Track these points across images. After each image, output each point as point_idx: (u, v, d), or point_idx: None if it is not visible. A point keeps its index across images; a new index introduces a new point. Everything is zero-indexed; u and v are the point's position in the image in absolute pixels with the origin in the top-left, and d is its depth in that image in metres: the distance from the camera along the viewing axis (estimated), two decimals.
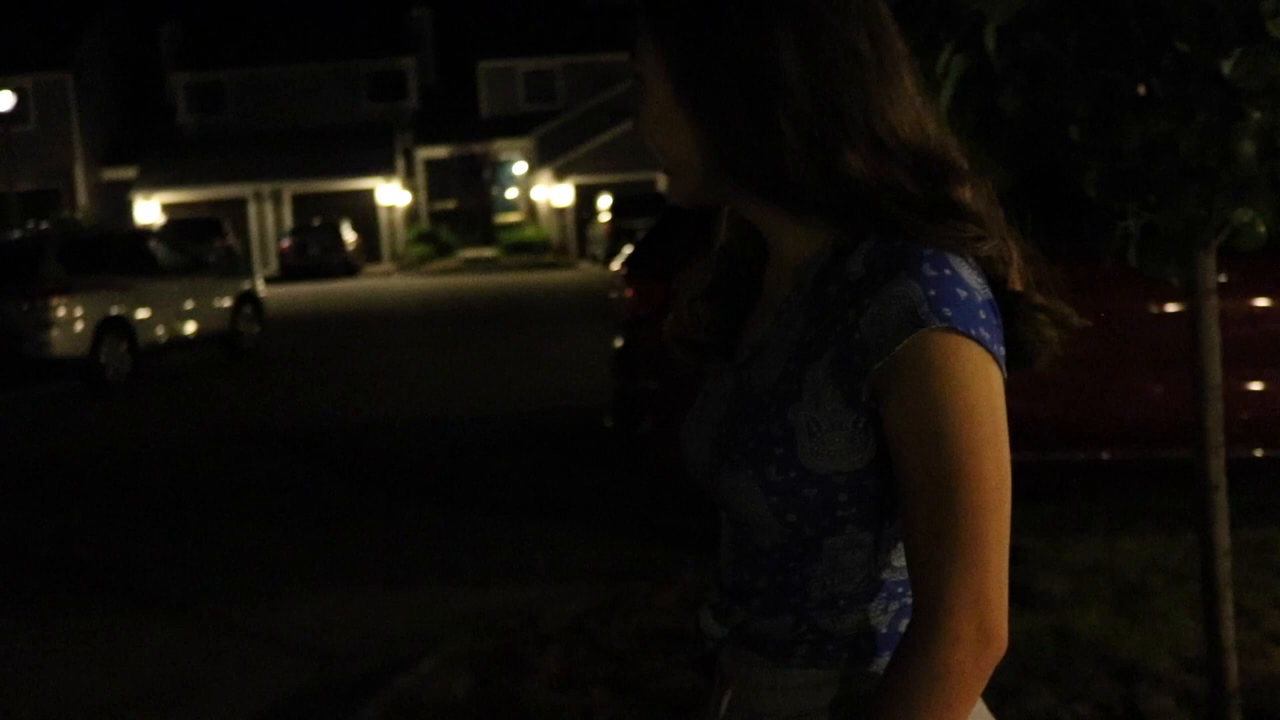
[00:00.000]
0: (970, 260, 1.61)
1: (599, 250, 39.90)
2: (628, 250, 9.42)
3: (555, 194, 44.56)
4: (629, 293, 8.04)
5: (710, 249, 1.88)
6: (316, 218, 44.52)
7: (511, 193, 49.42)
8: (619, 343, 8.30)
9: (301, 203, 46.18)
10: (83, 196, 46.40)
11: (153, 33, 50.16)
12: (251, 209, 45.92)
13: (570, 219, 44.29)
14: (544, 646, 6.11)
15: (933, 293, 1.55)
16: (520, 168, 48.59)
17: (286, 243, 42.98)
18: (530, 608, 6.93)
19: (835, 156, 1.60)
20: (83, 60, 46.82)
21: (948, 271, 1.57)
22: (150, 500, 11.31)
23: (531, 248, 45.14)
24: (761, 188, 1.65)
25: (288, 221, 45.61)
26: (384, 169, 45.97)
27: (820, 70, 1.60)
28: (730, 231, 1.84)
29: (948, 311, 1.54)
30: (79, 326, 17.76)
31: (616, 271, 9.34)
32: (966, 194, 1.64)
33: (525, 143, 46.85)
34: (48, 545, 9.85)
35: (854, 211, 1.63)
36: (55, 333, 17.52)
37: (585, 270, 39.19)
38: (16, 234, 22.51)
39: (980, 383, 1.56)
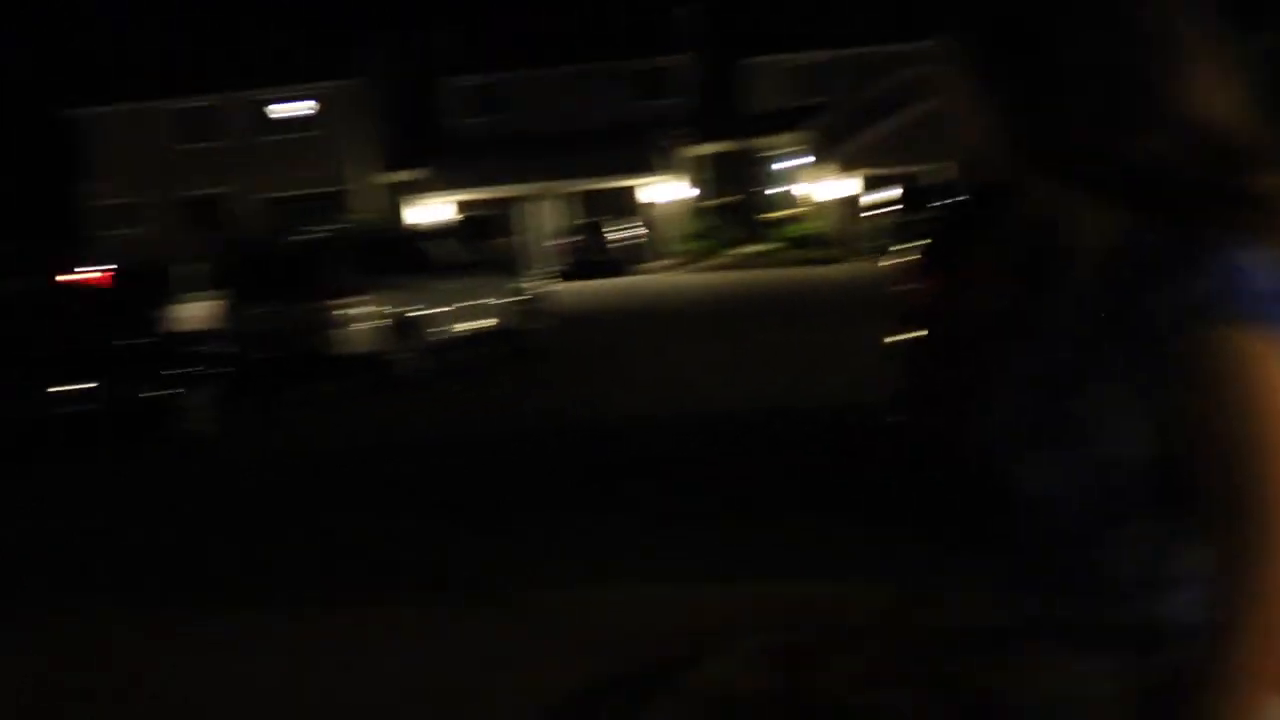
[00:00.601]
0: (1271, 251, 1.55)
1: (874, 244, 39.47)
2: (913, 243, 9.33)
3: (828, 188, 44.28)
4: (922, 284, 7.97)
5: (1003, 237, 1.86)
6: (591, 216, 45.25)
7: (784, 187, 49.28)
8: (909, 335, 8.23)
9: (576, 201, 46.90)
10: (368, 199, 48.02)
11: (429, 40, 51.46)
12: (528, 208, 46.83)
13: (844, 213, 43.98)
14: (843, 643, 6.06)
15: (1230, 284, 1.51)
16: (792, 162, 48.46)
17: (564, 241, 43.77)
18: (822, 604, 6.90)
19: (1132, 139, 1.58)
20: (369, 67, 48.43)
21: (1247, 262, 1.53)
22: (440, 492, 11.66)
23: (804, 242, 44.92)
24: (1058, 171, 1.65)
25: (564, 220, 46.41)
26: (653, 167, 46.39)
27: (1116, 52, 1.59)
28: (1025, 217, 1.81)
29: (1246, 303, 1.51)
30: (369, 325, 18.42)
31: (901, 264, 9.28)
32: (1270, 182, 1.59)
33: (797, 137, 46.65)
34: (348, 537, 10.25)
35: (1150, 196, 1.60)
36: (348, 331, 18.20)
37: (859, 264, 38.83)
38: (308, 237, 23.44)
39: (1276, 375, 1.52)
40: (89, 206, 51.31)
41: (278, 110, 44.95)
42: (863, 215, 42.86)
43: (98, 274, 19.48)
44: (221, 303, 19.89)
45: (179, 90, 48.14)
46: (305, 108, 43.17)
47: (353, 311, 18.21)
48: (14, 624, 8.57)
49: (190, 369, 15.38)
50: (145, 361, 15.31)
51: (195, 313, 23.72)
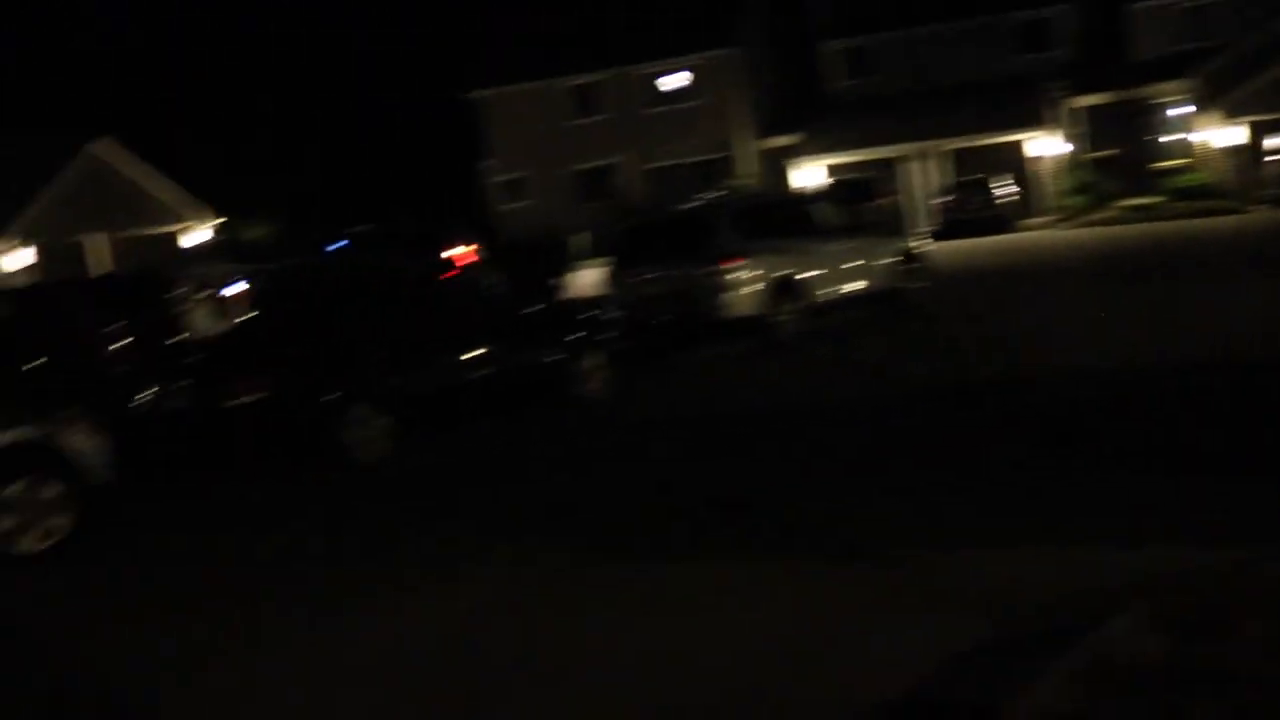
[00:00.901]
0: None
1: (1273, 191, 37.48)
2: None
3: (1222, 135, 42.16)
4: None
5: None
6: (971, 173, 44.38)
7: (1173, 136, 47.14)
8: None
9: (954, 159, 46.10)
10: (747, 164, 48.43)
11: (802, 5, 51.43)
12: (906, 168, 46.28)
13: (1237, 161, 41.81)
14: (1249, 610, 5.74)
15: None
16: (1178, 111, 46.31)
17: (942, 199, 43.12)
18: (1220, 569, 6.61)
19: None
20: (745, 36, 48.81)
21: None
22: (816, 452, 11.67)
23: (1192, 194, 42.92)
24: None
25: (942, 179, 45.68)
26: (1034, 121, 45.05)
27: None
28: None
29: None
30: (753, 288, 18.55)
31: None
32: None
33: (1186, 83, 44.53)
34: (726, 493, 10.33)
35: None
36: (732, 295, 18.40)
37: (1257, 214, 36.90)
38: (692, 204, 23.74)
39: None
40: (487, 182, 53.44)
41: (662, 83, 45.72)
42: (1268, 161, 40.67)
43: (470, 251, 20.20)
44: (611, 270, 20.34)
45: (570, 69, 49.48)
46: (687, 79, 43.77)
47: (736, 276, 18.39)
48: (438, 568, 9.03)
49: (583, 334, 15.80)
50: (543, 328, 15.84)
51: (587, 280, 24.40)
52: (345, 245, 38.40)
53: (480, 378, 14.72)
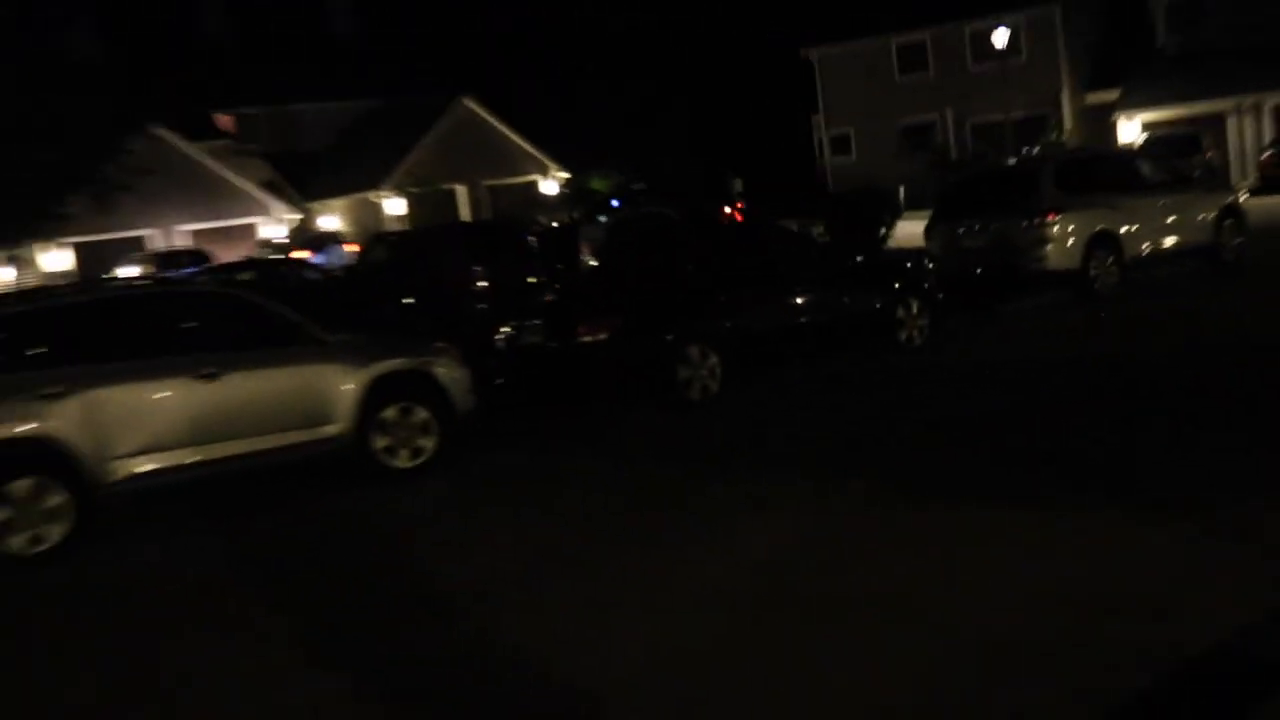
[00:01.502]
0: None
1: None
2: None
3: None
4: None
5: None
6: None
7: None
8: None
9: (1277, 115, 43.61)
10: (1068, 120, 46.84)
11: None
12: (1230, 123, 44.03)
13: None
14: None
15: None
16: None
17: (1267, 154, 40.84)
18: None
19: None
20: None
21: None
22: (1133, 402, 11.33)
23: None
24: None
25: (1267, 134, 43.25)
26: None
27: None
28: None
29: None
30: (1071, 242, 18.07)
31: None
32: None
33: None
34: (1040, 441, 10.18)
35: None
36: (1050, 248, 17.98)
37: None
38: (1013, 160, 23.26)
39: None
40: (817, 136, 53.31)
41: (985, 40, 44.62)
42: None
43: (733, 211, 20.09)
44: (933, 222, 20.14)
45: (897, 28, 48.87)
46: (1009, 36, 42.60)
47: (1056, 230, 17.98)
48: (749, 505, 9.23)
49: (904, 283, 15.71)
50: (865, 277, 15.82)
51: (909, 231, 24.16)
52: (620, 203, 39.28)
53: (804, 322, 14.83)
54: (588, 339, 13.80)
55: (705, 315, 14.04)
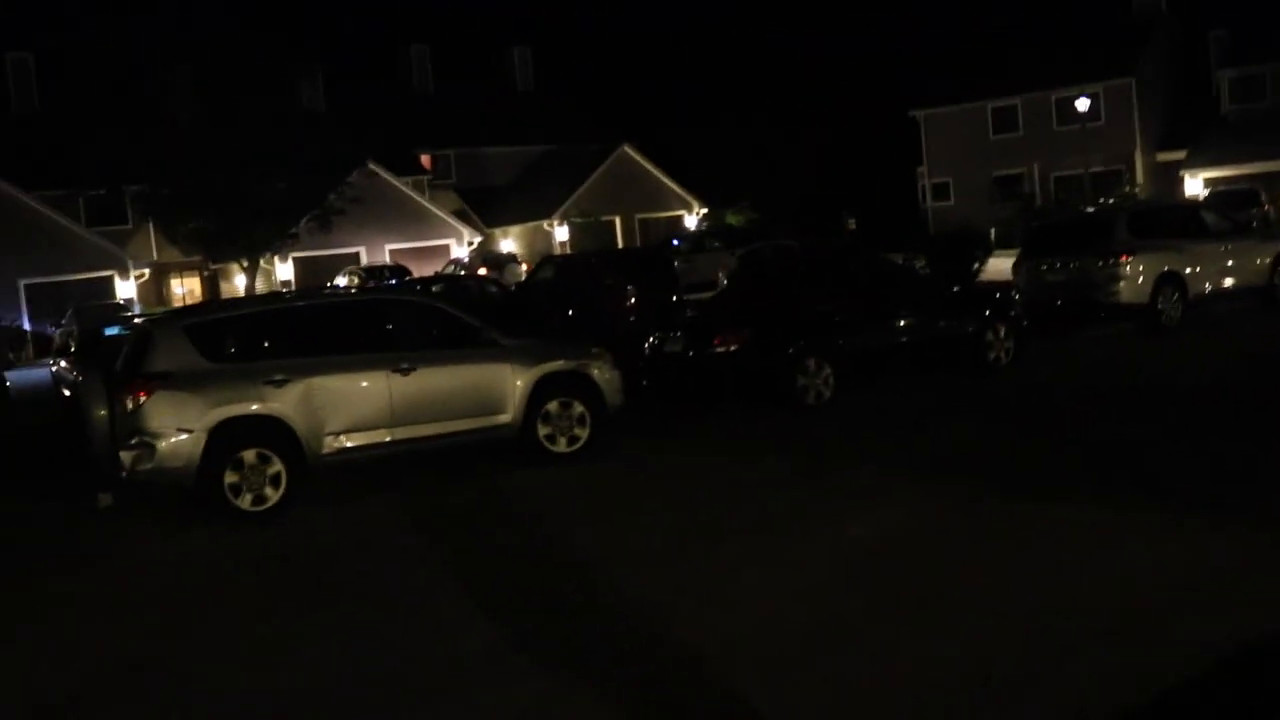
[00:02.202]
0: None
1: None
2: None
3: None
4: None
5: None
6: None
7: None
8: None
9: None
10: (1140, 175, 45.55)
11: (1202, 37, 47.83)
12: None
13: None
14: None
15: None
16: None
17: None
18: None
19: None
20: (1142, 66, 45.91)
21: None
22: (1196, 416, 10.93)
23: None
24: None
25: None
26: None
27: None
28: None
29: None
30: (1141, 279, 17.49)
31: None
32: None
33: None
34: (1116, 448, 9.81)
35: None
36: (1123, 284, 17.44)
37: None
38: (1092, 208, 22.64)
39: None
40: (920, 184, 52.65)
41: (1070, 105, 43.64)
42: None
43: None
44: (1019, 260, 19.67)
45: (995, 94, 48.11)
46: (1089, 103, 41.63)
47: (1128, 269, 17.43)
48: (859, 496, 9.02)
49: (993, 312, 15.30)
50: (960, 305, 15.46)
51: (998, 267, 23.61)
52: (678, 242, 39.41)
53: (906, 341, 14.53)
54: (721, 350, 13.72)
55: (822, 332, 13.82)
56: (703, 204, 55.13)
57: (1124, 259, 17.48)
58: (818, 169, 60.81)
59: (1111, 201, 32.99)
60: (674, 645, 6.20)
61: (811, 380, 13.46)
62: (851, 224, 52.35)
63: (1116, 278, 17.50)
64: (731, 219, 52.19)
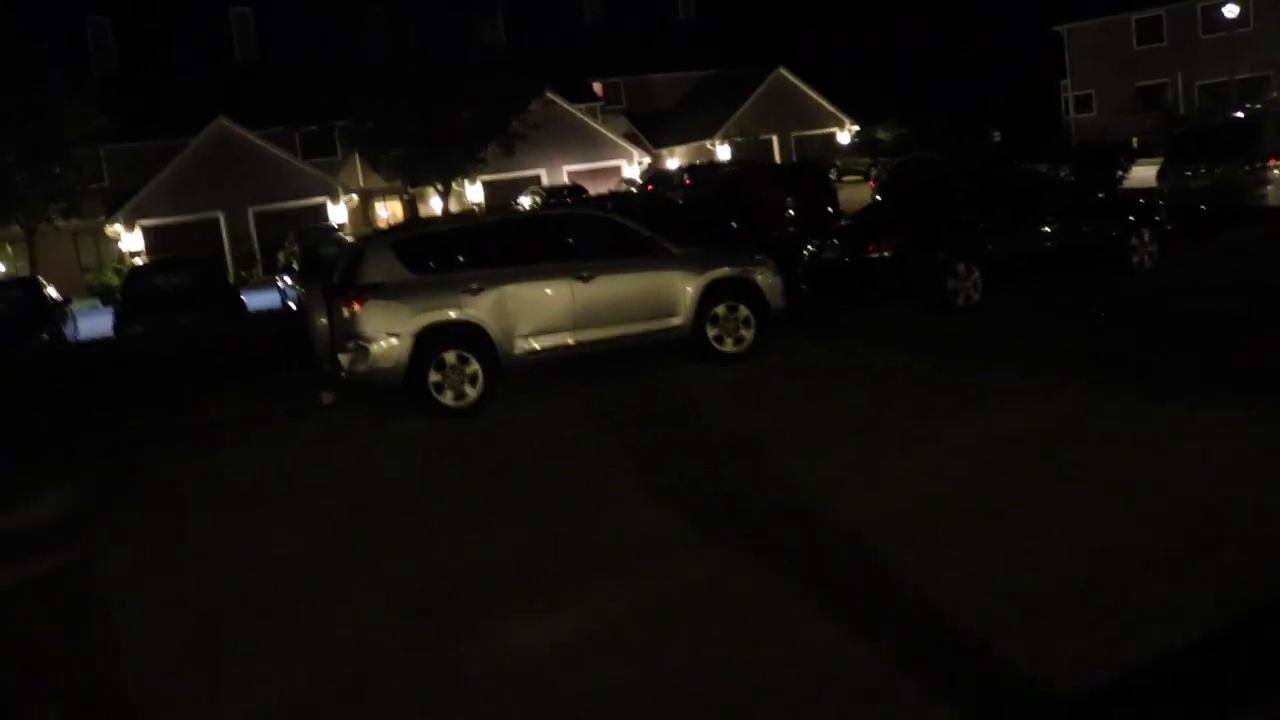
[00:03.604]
0: None
1: None
2: None
3: None
4: None
5: None
6: None
7: None
8: None
9: None
10: None
11: None
12: None
13: None
14: None
15: None
16: None
17: None
18: None
19: None
20: None
21: None
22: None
23: None
24: None
25: None
26: None
27: None
28: None
29: None
30: None
31: None
32: None
33: None
34: (1257, 351, 9.32)
35: None
36: (1270, 188, 16.42)
37: None
38: (1238, 114, 21.30)
39: None
40: (1063, 97, 50.31)
41: (1217, 12, 40.88)
42: None
43: None
44: (1163, 167, 18.68)
45: (1139, 4, 45.43)
46: (1236, 10, 38.94)
47: (1276, 172, 16.39)
48: (998, 392, 8.79)
49: (1137, 217, 14.58)
50: (1104, 211, 14.77)
51: (1143, 174, 22.47)
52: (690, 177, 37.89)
53: (1051, 247, 13.97)
54: (875, 255, 13.44)
55: (970, 238, 13.40)
56: (854, 121, 53.81)
57: (1272, 163, 16.46)
58: (963, 85, 58.63)
59: (1259, 107, 30.88)
60: (836, 519, 6.20)
61: (960, 283, 13.10)
62: (996, 137, 50.38)
63: (1264, 181, 16.49)
64: (882, 134, 50.80)
